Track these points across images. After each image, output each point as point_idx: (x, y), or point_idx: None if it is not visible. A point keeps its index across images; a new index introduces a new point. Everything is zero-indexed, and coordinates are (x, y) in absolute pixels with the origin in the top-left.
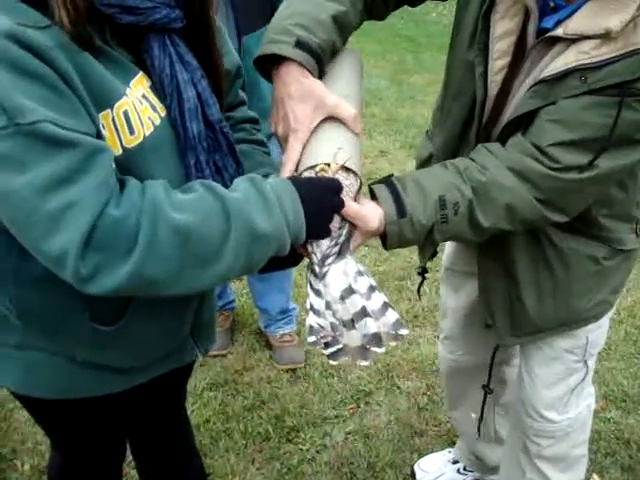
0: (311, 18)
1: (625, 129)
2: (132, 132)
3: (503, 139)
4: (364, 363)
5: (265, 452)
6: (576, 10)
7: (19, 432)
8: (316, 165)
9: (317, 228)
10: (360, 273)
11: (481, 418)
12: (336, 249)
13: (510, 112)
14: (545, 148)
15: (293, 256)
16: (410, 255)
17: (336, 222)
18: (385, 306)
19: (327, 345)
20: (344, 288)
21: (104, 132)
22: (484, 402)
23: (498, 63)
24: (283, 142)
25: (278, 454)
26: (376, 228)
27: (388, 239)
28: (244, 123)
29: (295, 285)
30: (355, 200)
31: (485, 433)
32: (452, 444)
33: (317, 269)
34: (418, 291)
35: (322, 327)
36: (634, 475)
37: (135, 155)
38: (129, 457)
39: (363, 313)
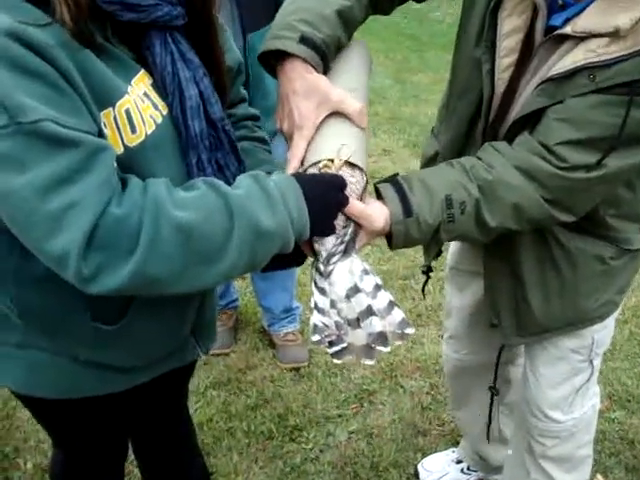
0: (315, 14)
1: (634, 128)
2: (134, 131)
3: (510, 137)
4: (369, 362)
5: (268, 451)
6: (585, 8)
7: (22, 430)
8: (320, 161)
9: (321, 225)
10: (366, 272)
11: (489, 421)
12: (342, 247)
13: (517, 110)
14: (552, 147)
15: (297, 256)
16: (414, 254)
17: (341, 220)
18: (391, 305)
19: (331, 344)
20: (350, 287)
21: (106, 131)
22: (491, 404)
23: (505, 61)
24: (288, 138)
25: (281, 453)
26: (381, 228)
27: (394, 239)
28: (245, 120)
29: (299, 284)
30: (361, 198)
31: (489, 433)
32: (456, 444)
33: (322, 267)
34: (423, 290)
35: (326, 326)
36: (638, 475)
37: (137, 154)
38: (132, 455)
39: (369, 312)
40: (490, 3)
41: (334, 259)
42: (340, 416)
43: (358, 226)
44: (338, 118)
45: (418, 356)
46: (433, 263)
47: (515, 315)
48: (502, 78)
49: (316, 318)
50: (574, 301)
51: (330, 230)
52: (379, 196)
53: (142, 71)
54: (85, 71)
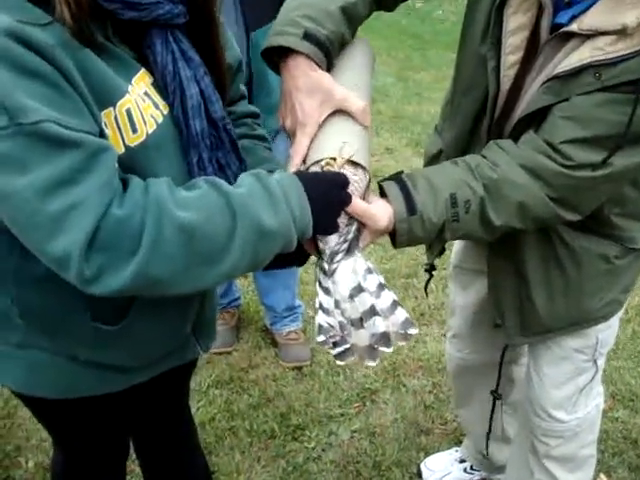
0: (319, 9)
1: None
2: (135, 130)
3: (515, 135)
4: (371, 363)
5: (270, 450)
6: (591, 5)
7: (23, 429)
8: (324, 159)
9: (324, 223)
10: (369, 271)
11: (489, 428)
12: (345, 246)
13: (522, 108)
14: (558, 145)
15: (299, 255)
16: (416, 253)
17: (344, 218)
18: (394, 304)
19: (335, 345)
20: (353, 286)
21: (106, 131)
22: (493, 409)
23: (511, 58)
24: (291, 136)
25: (283, 452)
26: (385, 226)
27: (397, 237)
28: (245, 118)
29: (301, 282)
30: (364, 197)
31: (493, 432)
32: (459, 443)
33: (326, 266)
34: (425, 288)
35: (331, 326)
36: None
37: (138, 154)
38: (134, 454)
39: (372, 312)
40: (496, 0)
41: (337, 257)
42: (342, 415)
43: (362, 225)
44: (341, 116)
45: (421, 355)
46: (436, 261)
47: (519, 314)
48: (508, 75)
49: (321, 318)
50: (578, 300)
51: (333, 228)
52: (383, 194)
53: (142, 70)
54: (86, 71)
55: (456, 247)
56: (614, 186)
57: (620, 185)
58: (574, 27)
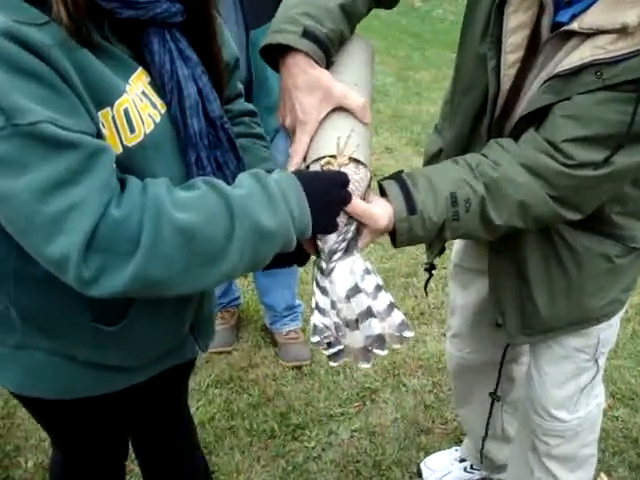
0: (318, 7)
1: None
2: (132, 130)
3: (516, 135)
4: (365, 365)
5: (270, 450)
6: (592, 4)
7: (22, 429)
8: (324, 157)
9: (324, 223)
10: (368, 271)
11: (486, 432)
12: (343, 245)
13: (523, 107)
14: (559, 144)
15: (300, 255)
16: (416, 252)
17: (343, 217)
18: (391, 306)
19: (329, 345)
20: (350, 287)
21: (104, 131)
22: (491, 410)
23: (511, 57)
24: (291, 134)
25: (283, 452)
26: (385, 226)
27: (398, 236)
28: (243, 116)
29: (300, 281)
30: (365, 195)
31: (493, 431)
32: (459, 442)
33: (324, 265)
34: (425, 288)
35: (327, 327)
36: None
37: (136, 154)
38: (134, 454)
39: (368, 313)
40: None
41: (335, 257)
42: (342, 414)
43: (361, 225)
44: (341, 113)
45: (421, 354)
46: (436, 261)
47: (520, 314)
48: (508, 74)
49: (316, 318)
50: (579, 300)
51: (333, 227)
52: (383, 193)
53: (140, 69)
54: (83, 70)
55: (456, 246)
56: (615, 185)
57: (621, 184)
58: (575, 26)
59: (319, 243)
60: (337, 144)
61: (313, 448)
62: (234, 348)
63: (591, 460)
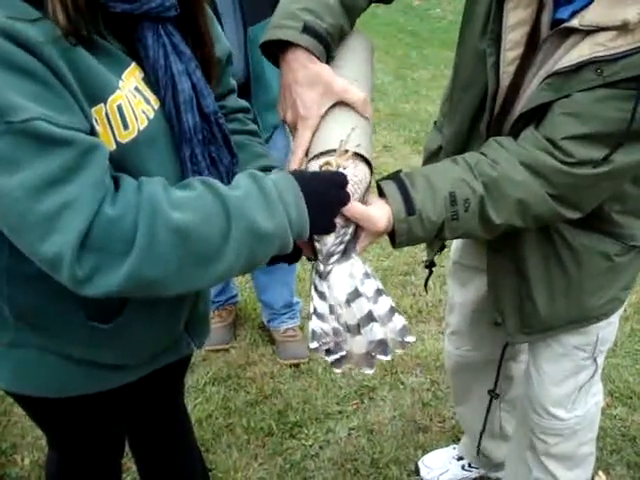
0: (318, 2)
1: None
2: (126, 127)
3: (515, 132)
4: (368, 371)
5: (268, 447)
6: (592, 1)
7: (19, 427)
8: (327, 151)
9: (321, 224)
10: (367, 275)
11: (483, 429)
12: (341, 247)
13: (522, 104)
14: (558, 142)
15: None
16: (414, 250)
17: (340, 221)
18: (392, 311)
19: (329, 352)
20: (350, 291)
21: (97, 127)
22: (489, 408)
23: (511, 54)
24: (292, 129)
25: (281, 450)
26: (384, 228)
27: (397, 237)
28: (237, 113)
29: (298, 279)
30: (364, 197)
31: (491, 429)
32: (456, 440)
33: (321, 267)
34: (425, 285)
35: (325, 332)
36: None
37: (129, 150)
38: (130, 452)
39: (370, 318)
40: None
41: (333, 259)
42: (340, 412)
43: (360, 227)
44: (342, 108)
45: (419, 352)
46: (435, 258)
47: (519, 313)
48: (507, 72)
49: (315, 324)
50: (579, 299)
51: (331, 229)
52: (381, 194)
53: (133, 64)
54: (76, 67)
55: (455, 244)
56: (615, 183)
57: (621, 182)
58: (575, 23)
59: (317, 245)
60: (340, 139)
61: (311, 446)
62: (232, 346)
63: (589, 459)
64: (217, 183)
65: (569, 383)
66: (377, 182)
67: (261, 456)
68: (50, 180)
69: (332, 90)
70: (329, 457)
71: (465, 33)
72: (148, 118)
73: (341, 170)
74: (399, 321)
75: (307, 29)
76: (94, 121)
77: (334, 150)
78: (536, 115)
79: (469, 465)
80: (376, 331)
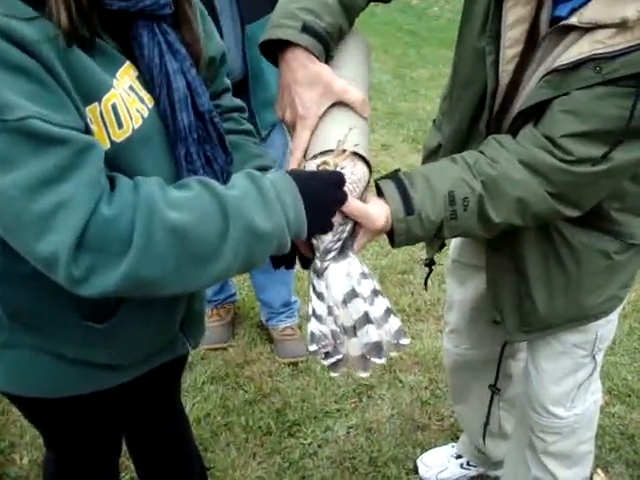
0: (317, 1)
1: None
2: (120, 126)
3: (514, 130)
4: (364, 374)
5: (266, 446)
6: None
7: (17, 425)
8: (325, 151)
9: (319, 224)
10: (364, 275)
11: (487, 421)
12: (338, 245)
13: (521, 102)
14: (557, 139)
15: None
16: (413, 249)
17: (338, 218)
18: (388, 312)
19: (327, 355)
20: (347, 291)
21: (92, 126)
22: (490, 404)
23: (510, 52)
24: (291, 129)
25: (279, 448)
26: (382, 226)
27: (396, 237)
28: (232, 112)
29: (297, 278)
30: (362, 196)
31: (490, 428)
32: (455, 439)
33: (318, 263)
34: (425, 283)
35: (324, 335)
36: (639, 470)
37: (124, 149)
38: (128, 452)
39: (365, 319)
40: None
41: (330, 256)
42: (339, 411)
43: (358, 225)
44: (341, 108)
45: (417, 351)
46: (434, 256)
47: (518, 311)
48: (506, 69)
49: (314, 326)
50: (578, 297)
51: (328, 228)
52: (380, 193)
53: (127, 63)
54: (71, 66)
55: (454, 242)
56: (614, 181)
57: (620, 180)
58: (574, 20)
59: (314, 241)
60: (338, 139)
61: (309, 445)
62: (230, 345)
63: (588, 457)
64: (214, 183)
65: (568, 381)
66: (375, 182)
67: (259, 455)
68: (45, 179)
69: (331, 90)
70: (327, 455)
71: (464, 32)
72: (143, 117)
73: (339, 169)
74: (395, 323)
75: (306, 28)
76: (89, 120)
77: (333, 150)
78: (535, 113)
79: (468, 463)
80: (371, 333)
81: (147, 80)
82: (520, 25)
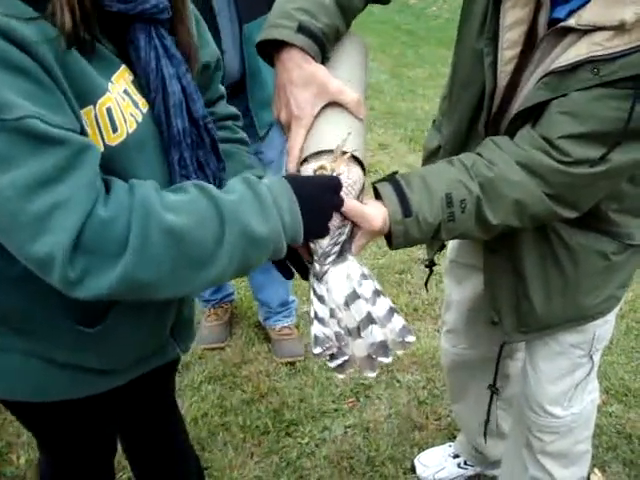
0: (314, 2)
1: (639, 123)
2: (115, 130)
3: (512, 131)
4: (371, 374)
5: (264, 446)
6: (589, 0)
7: (14, 425)
8: (320, 152)
9: (315, 229)
10: (365, 276)
11: (487, 420)
12: (337, 248)
13: (519, 103)
14: (555, 141)
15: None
16: (410, 248)
17: (335, 221)
18: (391, 311)
19: (332, 357)
20: (348, 293)
21: (87, 129)
22: (490, 404)
23: (508, 53)
24: (286, 129)
25: (277, 448)
26: (380, 228)
27: (394, 239)
28: (227, 120)
29: (294, 277)
30: (359, 198)
31: (486, 431)
32: (452, 438)
33: (318, 267)
34: (426, 284)
35: (328, 337)
36: (636, 469)
37: (118, 153)
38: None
39: (369, 320)
40: None
41: (329, 260)
42: (336, 410)
43: (356, 227)
44: (336, 109)
45: (414, 350)
46: (435, 257)
47: (515, 312)
48: (505, 71)
49: (317, 329)
50: (575, 298)
51: (324, 233)
52: (377, 195)
53: (123, 67)
54: (68, 68)
55: (452, 242)
56: (612, 182)
57: (618, 181)
58: (572, 22)
59: (312, 245)
60: (334, 139)
61: (307, 444)
62: (227, 344)
63: (585, 456)
64: (211, 187)
65: (565, 381)
66: (373, 184)
67: (257, 454)
68: (42, 179)
69: (327, 91)
70: (325, 455)
71: (463, 32)
72: (137, 121)
73: (335, 174)
74: (398, 321)
75: (302, 29)
76: (84, 123)
77: (328, 151)
78: (533, 114)
79: (465, 463)
80: (376, 333)
81: (142, 84)
82: (518, 27)
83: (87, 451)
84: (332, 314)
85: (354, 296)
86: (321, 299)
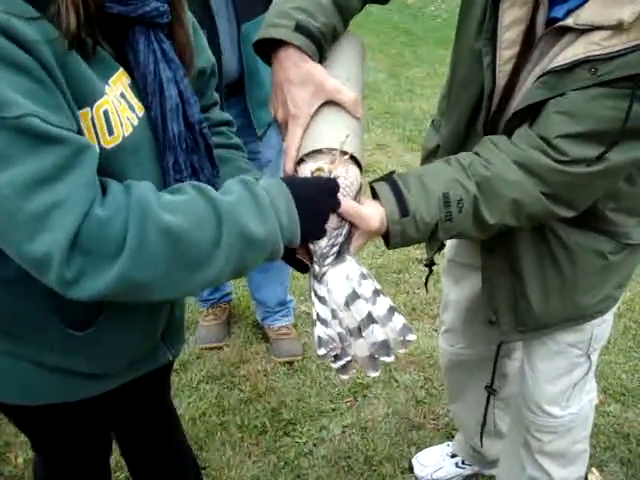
0: (312, 1)
1: (637, 122)
2: (111, 133)
3: (509, 130)
4: (374, 374)
5: (262, 445)
6: (587, 0)
7: (12, 425)
8: (317, 151)
9: (312, 230)
10: (364, 276)
11: (484, 422)
12: (335, 249)
13: (517, 103)
14: (552, 140)
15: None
16: (408, 248)
17: (333, 222)
18: (391, 311)
19: (336, 358)
20: (348, 293)
21: (83, 131)
22: (487, 405)
23: (506, 53)
24: (283, 128)
25: (275, 447)
26: (377, 228)
27: (391, 238)
28: (221, 126)
29: (292, 277)
30: (356, 198)
31: (483, 432)
32: (450, 438)
33: (317, 268)
34: (426, 284)
35: (331, 338)
36: (633, 469)
37: (113, 156)
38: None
39: (369, 319)
40: None
41: (327, 261)
42: (334, 410)
43: (354, 227)
44: (333, 108)
45: (412, 350)
46: (435, 257)
47: (513, 311)
48: (503, 71)
49: (319, 330)
50: (573, 297)
51: (321, 234)
52: (375, 195)
53: (120, 70)
54: (67, 69)
55: (450, 241)
56: (609, 182)
57: (615, 181)
58: (570, 21)
59: (311, 246)
60: (331, 138)
61: (304, 444)
62: (225, 344)
63: (583, 456)
64: (209, 188)
65: (563, 381)
66: (370, 184)
67: (255, 454)
68: (41, 178)
69: (323, 89)
70: (323, 455)
71: (461, 32)
72: (133, 125)
73: (333, 175)
74: (399, 320)
75: (299, 28)
76: (81, 124)
77: (325, 150)
78: (530, 113)
79: (463, 462)
80: (377, 333)
81: (140, 87)
82: (517, 26)
83: (81, 452)
84: (334, 315)
85: (354, 296)
86: (322, 300)
